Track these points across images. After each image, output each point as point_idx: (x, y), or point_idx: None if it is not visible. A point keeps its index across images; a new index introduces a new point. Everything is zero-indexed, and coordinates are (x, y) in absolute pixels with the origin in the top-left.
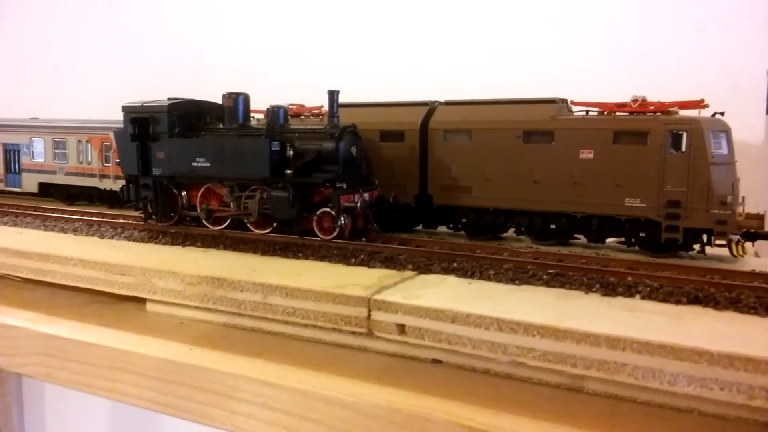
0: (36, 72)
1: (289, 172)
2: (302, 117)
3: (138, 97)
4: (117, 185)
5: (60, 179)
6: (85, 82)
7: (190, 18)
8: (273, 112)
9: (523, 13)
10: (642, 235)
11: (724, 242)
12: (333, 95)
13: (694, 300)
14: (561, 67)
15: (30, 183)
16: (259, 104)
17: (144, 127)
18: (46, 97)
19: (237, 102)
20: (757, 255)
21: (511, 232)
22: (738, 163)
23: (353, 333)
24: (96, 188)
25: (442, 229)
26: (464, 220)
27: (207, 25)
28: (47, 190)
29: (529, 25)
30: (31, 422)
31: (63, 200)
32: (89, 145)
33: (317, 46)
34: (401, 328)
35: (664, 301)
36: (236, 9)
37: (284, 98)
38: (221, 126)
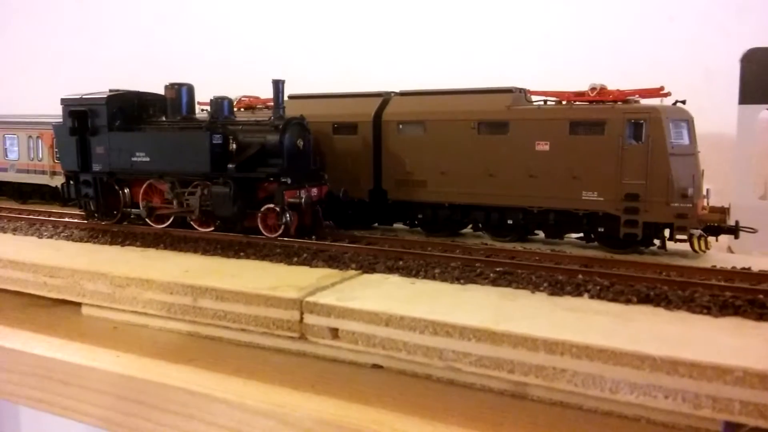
0: (5, 70)
1: (231, 166)
2: (255, 109)
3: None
4: None
5: (11, 177)
6: (54, 79)
7: (159, 12)
8: (216, 104)
9: (494, 3)
10: (601, 230)
11: (685, 237)
12: (278, 85)
13: (645, 299)
14: (533, 58)
15: None
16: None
17: (83, 120)
18: (14, 95)
19: (180, 93)
20: (730, 251)
21: (469, 228)
22: (712, 155)
23: (289, 337)
24: (48, 185)
25: (399, 225)
26: (420, 216)
27: (174, 18)
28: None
29: (500, 15)
30: None
31: (15, 198)
32: (40, 141)
33: (285, 39)
34: (334, 332)
35: (614, 300)
36: (202, 3)
37: (250, 90)
38: (164, 118)
